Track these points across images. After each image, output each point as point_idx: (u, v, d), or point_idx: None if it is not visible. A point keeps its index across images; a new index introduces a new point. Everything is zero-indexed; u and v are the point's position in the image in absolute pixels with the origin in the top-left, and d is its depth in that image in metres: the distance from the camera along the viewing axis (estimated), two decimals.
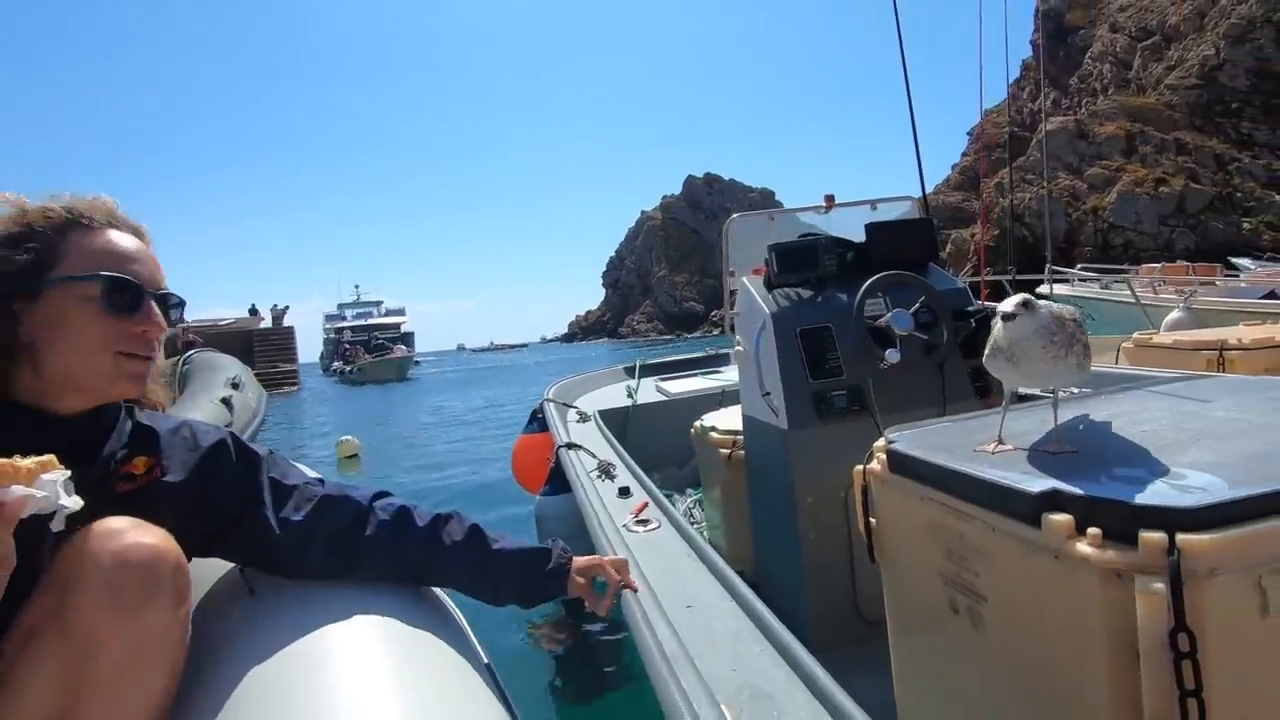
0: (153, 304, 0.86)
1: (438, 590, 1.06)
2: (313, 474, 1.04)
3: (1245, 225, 25.14)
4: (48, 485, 0.63)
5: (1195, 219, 25.76)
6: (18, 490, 0.61)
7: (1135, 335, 2.80)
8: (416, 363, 37.94)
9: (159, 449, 0.91)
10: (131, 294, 0.84)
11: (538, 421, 3.59)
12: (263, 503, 0.94)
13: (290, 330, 32.44)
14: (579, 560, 1.11)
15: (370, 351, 33.96)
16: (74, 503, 0.64)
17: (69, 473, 0.65)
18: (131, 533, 0.72)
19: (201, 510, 0.90)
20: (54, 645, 0.66)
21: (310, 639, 0.80)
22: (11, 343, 0.79)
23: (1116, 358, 2.91)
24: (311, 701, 0.69)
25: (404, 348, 36.19)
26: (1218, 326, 3.27)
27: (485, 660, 0.95)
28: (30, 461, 0.62)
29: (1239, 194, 26.19)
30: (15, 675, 0.66)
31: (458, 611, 1.05)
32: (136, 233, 0.89)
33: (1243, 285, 7.20)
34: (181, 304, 0.91)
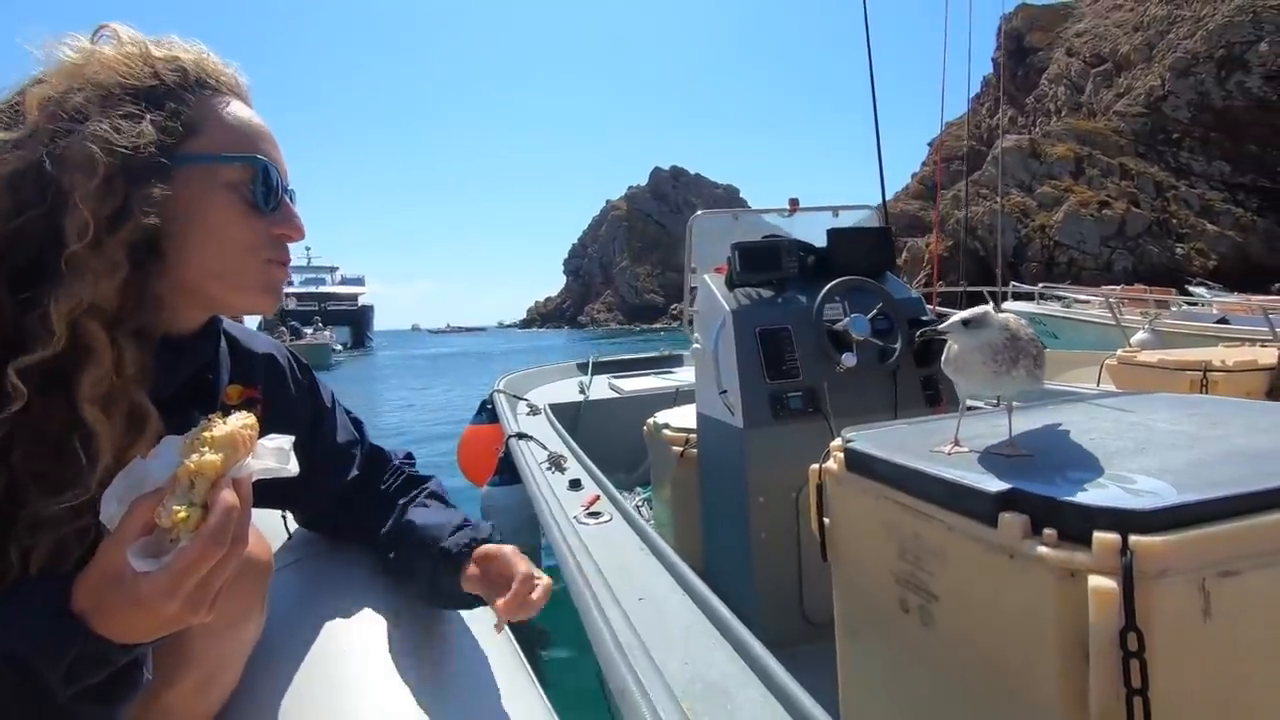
0: (290, 202, 0.70)
1: None
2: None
3: (1179, 251, 26.50)
4: (274, 454, 0.52)
5: (1134, 242, 27.03)
6: (253, 465, 0.51)
7: (1119, 352, 2.86)
8: (337, 348, 35.18)
9: (257, 378, 0.80)
10: (279, 186, 0.68)
11: (486, 412, 3.58)
12: (329, 459, 0.91)
13: None
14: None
15: (291, 334, 31.48)
16: (295, 469, 0.54)
17: (293, 438, 0.55)
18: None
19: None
20: None
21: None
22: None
23: (1099, 374, 3.00)
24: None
25: (328, 333, 33.87)
26: (1181, 348, 3.35)
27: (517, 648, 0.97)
28: (237, 423, 0.51)
29: (1174, 220, 27.56)
30: None
31: None
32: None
33: (1199, 310, 7.83)
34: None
